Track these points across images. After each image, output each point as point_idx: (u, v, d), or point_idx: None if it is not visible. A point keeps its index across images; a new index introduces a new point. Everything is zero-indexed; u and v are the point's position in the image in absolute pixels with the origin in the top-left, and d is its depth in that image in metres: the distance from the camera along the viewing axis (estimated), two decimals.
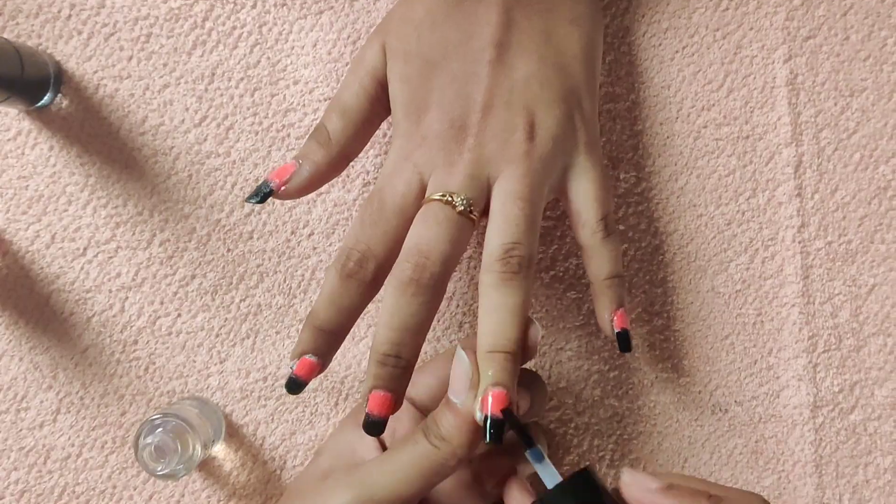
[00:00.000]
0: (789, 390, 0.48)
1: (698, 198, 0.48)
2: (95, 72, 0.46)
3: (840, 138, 0.48)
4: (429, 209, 0.40)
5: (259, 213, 0.47)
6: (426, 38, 0.41)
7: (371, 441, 0.42)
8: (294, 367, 0.40)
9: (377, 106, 0.43)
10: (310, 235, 0.48)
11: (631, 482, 0.35)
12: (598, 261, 0.43)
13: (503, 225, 0.39)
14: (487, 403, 0.36)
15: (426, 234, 0.39)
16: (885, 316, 0.49)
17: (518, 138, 0.40)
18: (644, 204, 0.48)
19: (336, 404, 0.48)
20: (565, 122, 0.42)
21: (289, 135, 0.47)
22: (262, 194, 0.41)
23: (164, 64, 0.47)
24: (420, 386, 0.43)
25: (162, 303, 0.47)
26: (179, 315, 0.47)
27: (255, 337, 0.48)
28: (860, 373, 0.49)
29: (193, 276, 0.47)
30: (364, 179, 0.47)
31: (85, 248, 0.47)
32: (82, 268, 0.47)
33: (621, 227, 0.48)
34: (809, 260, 0.48)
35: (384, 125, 0.45)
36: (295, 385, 0.40)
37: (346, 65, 0.47)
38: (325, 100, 0.47)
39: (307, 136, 0.42)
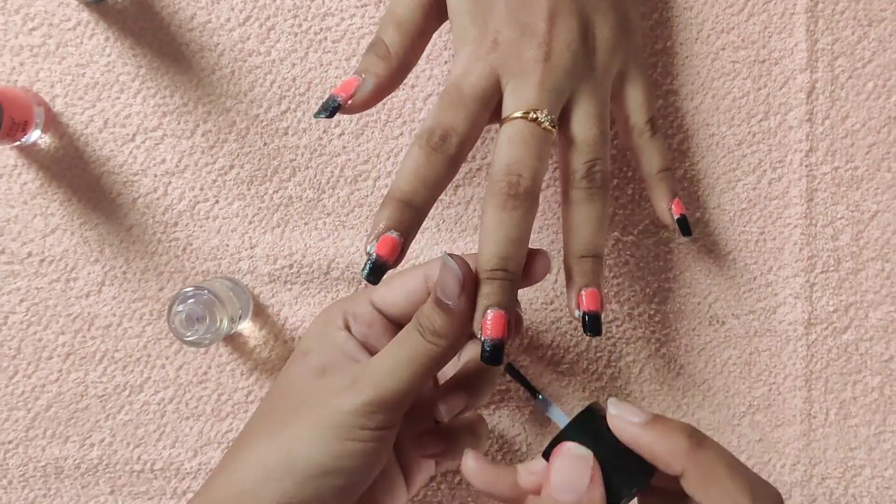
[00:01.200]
0: (785, 307, 0.51)
1: (712, 117, 0.51)
2: None
3: (855, 67, 0.50)
4: (514, 127, 0.41)
5: (294, 111, 0.51)
6: None
7: (355, 343, 0.45)
8: (374, 248, 0.40)
9: (431, 16, 0.45)
10: (340, 135, 0.51)
11: (616, 414, 0.37)
12: (649, 157, 0.47)
13: (584, 144, 0.43)
14: (583, 302, 0.43)
15: (515, 153, 0.41)
16: (885, 242, 0.51)
17: (584, 50, 0.43)
18: (659, 121, 0.51)
19: (355, 292, 0.52)
20: (619, 31, 0.44)
21: (325, 38, 0.51)
22: (331, 109, 0.42)
23: None
24: (384, 296, 0.46)
25: (202, 189, 0.52)
26: (217, 201, 0.52)
27: (285, 226, 0.52)
28: (856, 295, 0.51)
29: (231, 167, 0.52)
30: None
31: (134, 134, 0.52)
32: (131, 152, 0.52)
33: None
34: (815, 183, 0.51)
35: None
36: (378, 268, 0.40)
37: None
38: (362, 6, 0.50)
39: (365, 50, 0.44)
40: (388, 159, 0.51)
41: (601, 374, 0.52)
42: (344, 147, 0.51)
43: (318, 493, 0.40)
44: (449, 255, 0.39)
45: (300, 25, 0.51)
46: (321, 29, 0.51)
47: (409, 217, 0.40)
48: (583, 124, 0.43)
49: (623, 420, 0.37)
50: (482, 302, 0.39)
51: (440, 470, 0.50)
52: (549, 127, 0.41)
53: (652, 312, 0.52)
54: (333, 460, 0.40)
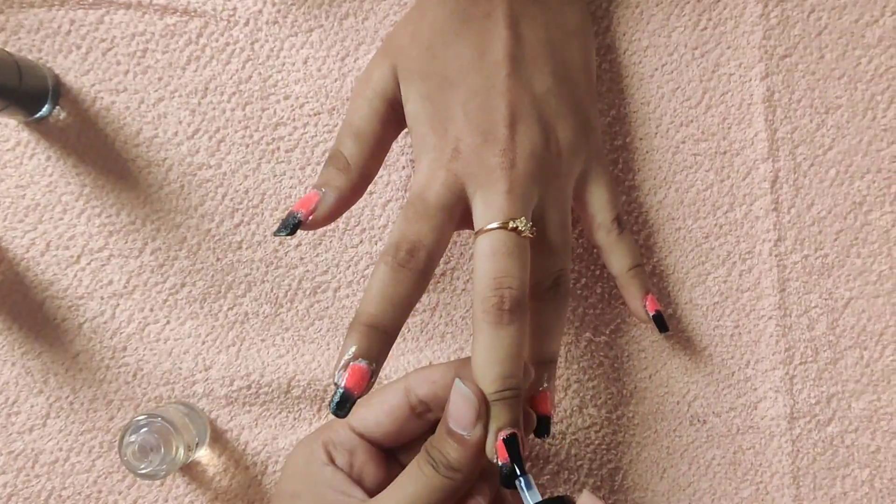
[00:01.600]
0: (766, 402, 0.50)
1: (676, 211, 0.50)
2: (93, 85, 0.49)
3: (816, 154, 0.50)
4: (494, 240, 0.40)
5: (248, 224, 0.49)
6: (440, 56, 0.43)
7: (343, 476, 0.41)
8: (343, 380, 0.38)
9: (389, 125, 0.44)
10: (297, 246, 0.50)
11: None
12: (618, 255, 0.47)
13: (551, 254, 0.43)
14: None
15: (500, 266, 0.40)
16: (861, 329, 0.50)
17: (547, 155, 0.42)
18: (625, 217, 0.50)
19: (319, 410, 0.49)
20: (579, 133, 0.44)
21: (278, 148, 0.49)
22: (291, 226, 0.41)
23: (160, 78, 0.49)
24: (364, 418, 0.43)
25: (152, 310, 0.49)
26: (168, 322, 0.49)
27: (241, 344, 0.50)
28: (837, 385, 0.50)
29: (183, 285, 0.49)
30: None
31: (79, 256, 0.49)
32: (75, 275, 0.49)
33: None
34: (786, 273, 0.50)
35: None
36: (345, 400, 0.38)
37: (336, 81, 0.49)
38: (315, 114, 0.49)
39: (324, 164, 0.43)
40: (347, 268, 0.50)
41: (583, 484, 0.50)
42: (301, 258, 0.50)
43: None
44: (460, 379, 0.38)
45: (251, 136, 0.49)
46: (273, 139, 0.49)
47: (379, 342, 0.39)
48: (550, 231, 0.42)
49: None
50: (493, 425, 0.38)
51: None
52: (530, 234, 0.40)
53: (630, 415, 0.50)
54: None
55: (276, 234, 0.41)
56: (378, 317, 0.39)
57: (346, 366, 0.38)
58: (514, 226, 0.40)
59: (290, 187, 0.49)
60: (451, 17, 0.43)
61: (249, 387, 0.49)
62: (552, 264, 0.42)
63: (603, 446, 0.50)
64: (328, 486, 0.41)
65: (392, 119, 0.44)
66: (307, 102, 0.49)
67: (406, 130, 0.44)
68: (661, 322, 0.47)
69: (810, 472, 0.50)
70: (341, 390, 0.38)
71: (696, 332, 0.50)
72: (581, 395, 0.50)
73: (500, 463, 0.38)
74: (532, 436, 0.43)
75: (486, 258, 0.40)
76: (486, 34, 0.43)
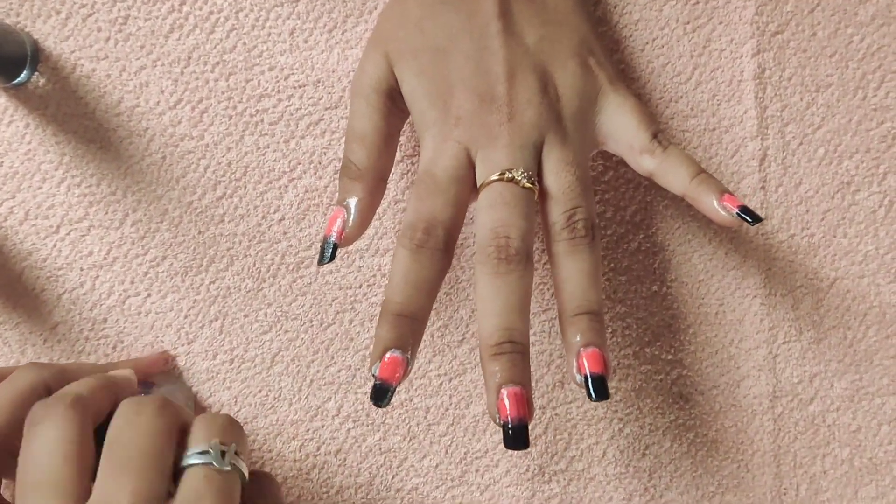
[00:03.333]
0: (750, 380, 0.51)
1: (663, 189, 0.50)
2: (73, 52, 0.48)
3: (805, 133, 0.51)
4: (492, 191, 0.40)
5: (231, 197, 0.49)
6: (429, 29, 0.43)
7: None
8: (377, 371, 0.38)
9: (391, 117, 0.44)
10: (280, 220, 0.50)
11: None
12: (673, 172, 0.43)
13: (560, 194, 0.41)
14: (584, 365, 0.38)
15: (498, 216, 0.39)
16: (845, 309, 0.51)
17: (547, 102, 0.42)
18: (610, 192, 0.50)
19: (300, 389, 0.50)
20: (583, 72, 0.44)
21: (262, 120, 0.49)
22: (331, 251, 0.42)
23: (141, 46, 0.49)
24: None
25: (132, 282, 0.50)
26: (149, 295, 0.50)
27: (224, 319, 0.50)
28: (820, 364, 0.51)
29: (164, 258, 0.50)
30: (335, 166, 0.49)
31: (58, 226, 0.49)
32: (55, 245, 0.49)
33: None
34: (772, 252, 0.51)
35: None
36: (381, 393, 0.38)
37: (322, 52, 0.49)
38: (300, 86, 0.49)
39: (339, 175, 0.43)
40: None
41: (561, 456, 0.51)
42: (285, 233, 0.50)
43: None
44: None
45: (235, 108, 0.49)
46: (257, 111, 0.49)
47: (409, 329, 0.39)
48: (556, 174, 0.41)
49: None
50: (493, 381, 0.37)
51: None
52: (528, 184, 0.40)
53: (613, 391, 0.51)
54: None
55: (319, 264, 0.43)
56: (405, 304, 0.39)
57: (380, 357, 0.38)
58: (511, 176, 0.40)
59: (274, 160, 0.49)
60: None
61: (232, 361, 0.50)
62: (562, 204, 0.41)
63: (584, 421, 0.51)
64: None
65: (393, 110, 0.44)
66: (292, 74, 0.49)
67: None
68: (750, 214, 0.41)
69: (791, 450, 0.51)
70: (378, 382, 0.38)
71: (681, 309, 0.51)
72: (563, 369, 0.51)
73: (501, 421, 0.37)
74: (592, 399, 0.39)
75: (484, 210, 0.40)
76: None
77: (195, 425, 0.35)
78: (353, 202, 0.42)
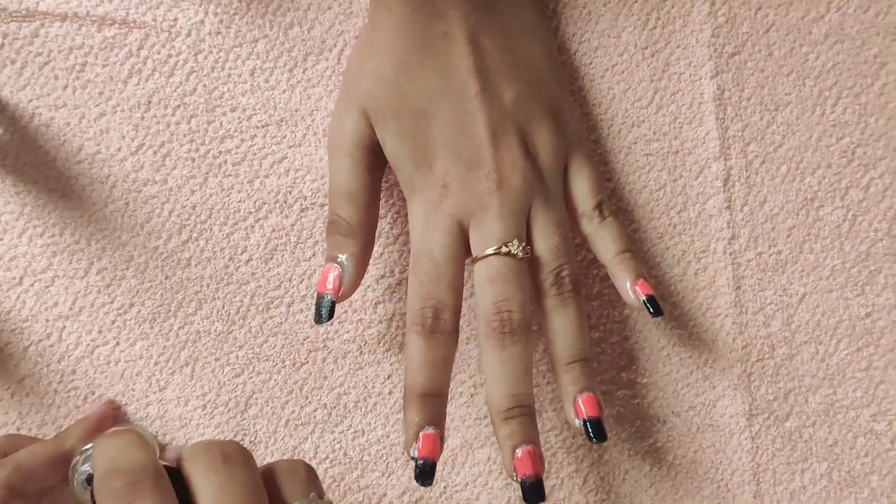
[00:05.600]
0: (725, 399, 0.48)
1: (630, 212, 0.48)
2: (30, 100, 0.45)
3: (767, 151, 0.48)
4: (490, 266, 0.40)
5: (197, 240, 0.46)
6: (408, 90, 0.41)
7: None
8: (417, 451, 0.39)
9: (375, 172, 0.43)
10: (248, 261, 0.46)
11: None
12: (603, 243, 0.44)
13: (548, 254, 0.41)
14: (582, 410, 0.40)
15: (499, 291, 0.40)
16: (815, 324, 0.48)
17: (530, 163, 0.41)
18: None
19: (275, 431, 0.46)
20: (557, 132, 0.43)
21: (226, 161, 0.46)
22: (328, 309, 0.41)
23: (100, 92, 0.45)
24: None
25: (100, 332, 0.46)
26: (118, 344, 0.46)
27: (195, 364, 0.46)
28: (794, 381, 0.48)
29: (132, 305, 0.46)
30: (301, 205, 0.46)
31: (21, 278, 0.45)
32: (18, 297, 0.46)
33: None
34: (741, 271, 0.48)
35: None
36: (427, 470, 0.38)
37: (284, 92, 0.46)
38: (263, 126, 0.46)
39: (327, 233, 0.42)
40: (300, 283, 0.46)
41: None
42: (253, 274, 0.46)
43: None
44: None
45: (197, 150, 0.46)
46: (220, 152, 0.46)
47: (436, 405, 0.40)
48: (543, 236, 0.41)
49: None
50: (508, 443, 0.38)
51: None
52: (522, 255, 0.40)
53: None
54: None
55: (317, 322, 0.41)
56: (427, 385, 0.39)
57: (415, 437, 0.39)
58: (507, 250, 0.40)
59: (239, 201, 0.46)
60: (409, 45, 0.41)
61: (205, 406, 0.46)
62: (550, 264, 0.41)
63: (563, 449, 0.47)
64: None
65: (376, 164, 0.42)
66: (255, 114, 0.46)
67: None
68: (654, 305, 0.42)
69: (770, 467, 0.48)
70: (421, 461, 0.38)
71: (654, 332, 0.48)
72: (540, 398, 0.47)
73: (518, 479, 0.38)
74: (591, 441, 0.40)
75: (484, 285, 0.40)
76: (447, 55, 0.41)
77: (283, 478, 0.33)
78: (345, 258, 0.41)
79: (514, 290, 0.40)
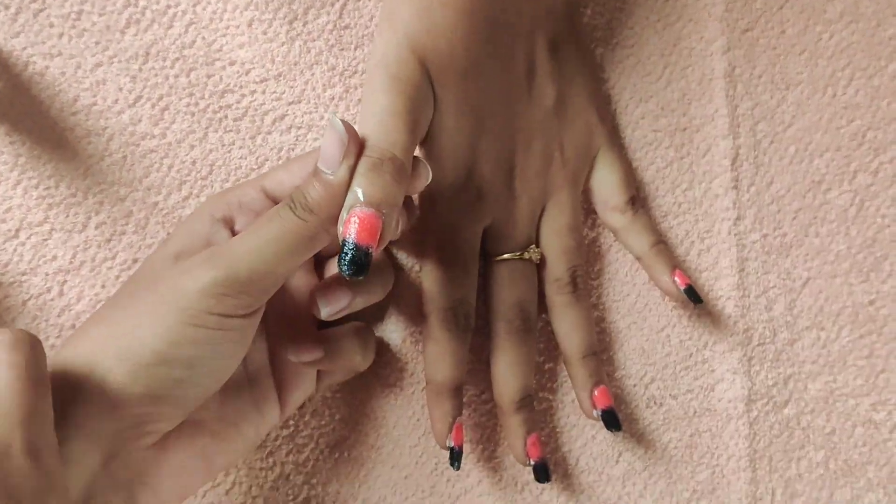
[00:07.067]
0: (724, 384, 0.43)
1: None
2: (24, 48, 0.41)
3: (776, 131, 0.43)
4: (512, 268, 0.40)
5: (197, 196, 0.42)
6: (473, 85, 0.37)
7: (229, 235, 0.35)
8: (453, 441, 0.38)
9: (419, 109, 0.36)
10: None
11: None
12: (636, 236, 0.41)
13: (561, 255, 0.40)
14: (598, 400, 0.40)
15: (520, 292, 0.40)
16: (818, 309, 0.43)
17: (555, 168, 0.40)
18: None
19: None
20: (588, 131, 0.40)
21: (226, 116, 0.42)
22: (365, 265, 0.30)
23: (97, 42, 0.41)
24: (280, 181, 0.37)
25: (103, 286, 0.42)
26: None
27: None
28: (794, 366, 0.43)
29: (135, 260, 0.42)
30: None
31: (17, 230, 0.41)
32: (15, 250, 0.41)
33: None
34: (745, 252, 0.43)
35: None
36: (458, 456, 0.38)
37: (283, 45, 0.41)
38: (262, 81, 0.42)
39: (370, 171, 0.31)
40: None
41: None
42: None
43: (151, 384, 0.31)
44: (338, 118, 0.31)
45: (197, 104, 0.41)
46: (220, 107, 0.41)
47: (458, 398, 0.39)
48: (558, 238, 0.40)
49: None
50: (521, 430, 0.39)
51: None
52: (538, 259, 0.40)
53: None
54: (172, 347, 0.30)
55: (351, 276, 0.30)
56: (457, 379, 0.39)
57: (449, 429, 0.38)
58: (528, 256, 0.40)
59: (240, 157, 0.42)
60: (483, 23, 0.36)
61: None
62: (565, 264, 0.40)
63: (557, 429, 0.43)
64: (202, 235, 0.35)
65: (423, 105, 0.36)
66: (253, 68, 0.41)
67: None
68: (693, 294, 0.40)
69: (766, 454, 0.43)
70: (456, 449, 0.38)
71: (654, 312, 0.43)
72: (536, 378, 0.43)
73: (532, 462, 0.39)
74: (610, 430, 0.40)
75: (506, 286, 0.40)
76: (508, 51, 0.37)
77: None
78: (391, 212, 0.32)
79: (530, 290, 0.40)
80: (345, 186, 0.30)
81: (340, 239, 0.30)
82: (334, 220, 0.31)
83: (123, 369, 0.30)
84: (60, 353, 0.32)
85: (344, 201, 0.30)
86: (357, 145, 0.31)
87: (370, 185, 0.30)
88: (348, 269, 0.29)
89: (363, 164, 0.31)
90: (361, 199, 0.30)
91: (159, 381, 0.31)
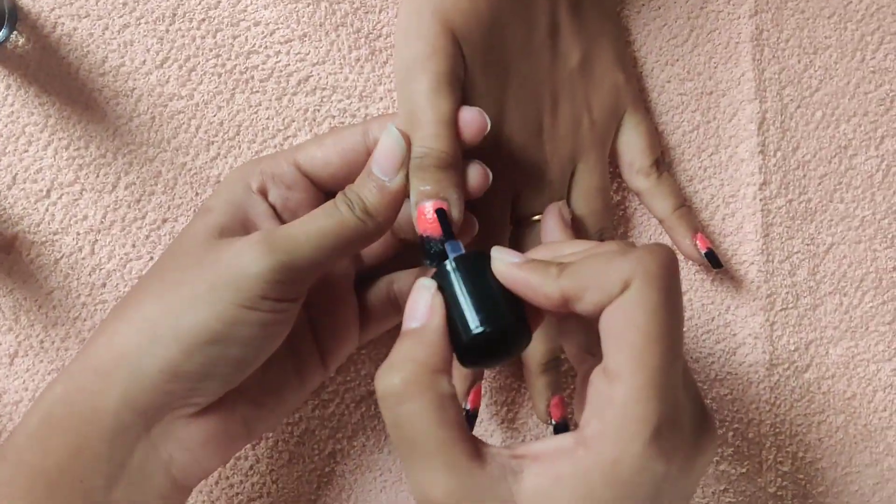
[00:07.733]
0: (745, 348, 0.42)
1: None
2: (52, 9, 0.40)
3: (803, 96, 0.42)
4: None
5: (225, 157, 0.41)
6: (497, 41, 0.36)
7: (267, 208, 0.35)
8: (469, 405, 0.38)
9: (457, 89, 0.35)
10: None
11: (496, 256, 0.30)
12: (661, 199, 0.40)
13: (590, 216, 0.39)
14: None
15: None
16: (841, 275, 0.42)
17: (584, 130, 0.39)
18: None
19: None
20: (614, 93, 0.39)
21: (252, 77, 0.41)
22: (438, 253, 0.32)
23: (124, 3, 0.41)
24: (315, 157, 0.36)
25: (133, 246, 0.41)
26: (152, 258, 0.41)
27: None
28: (816, 331, 0.42)
29: (165, 220, 0.41)
30: (330, 123, 0.41)
31: (48, 190, 0.41)
32: (47, 209, 0.41)
33: None
34: (770, 218, 0.42)
35: None
36: (472, 419, 0.38)
37: (308, 5, 0.39)
38: (286, 41, 0.41)
39: (417, 169, 0.33)
40: None
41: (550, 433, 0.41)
42: None
43: (207, 362, 0.31)
44: (394, 126, 0.32)
45: (223, 65, 0.40)
46: (246, 68, 0.40)
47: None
48: (586, 199, 0.39)
49: (503, 261, 0.29)
50: (547, 391, 0.38)
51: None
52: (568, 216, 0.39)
53: None
54: (228, 328, 0.31)
55: (429, 264, 0.32)
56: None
57: (467, 392, 0.38)
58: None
59: (267, 118, 0.41)
60: None
61: None
62: (594, 225, 0.39)
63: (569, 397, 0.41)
64: (244, 208, 0.35)
65: (458, 83, 0.35)
66: (278, 29, 0.40)
67: None
68: (714, 259, 0.40)
69: (787, 418, 0.42)
70: (471, 412, 0.38)
71: None
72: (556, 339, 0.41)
73: (553, 422, 0.38)
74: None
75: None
76: (531, 7, 0.36)
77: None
78: (452, 193, 0.33)
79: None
80: (403, 192, 0.33)
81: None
82: (390, 222, 0.33)
83: (178, 348, 0.31)
84: (117, 328, 0.32)
85: (401, 206, 0.33)
86: (409, 150, 0.33)
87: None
88: (427, 260, 0.32)
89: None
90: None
91: (212, 359, 0.31)
